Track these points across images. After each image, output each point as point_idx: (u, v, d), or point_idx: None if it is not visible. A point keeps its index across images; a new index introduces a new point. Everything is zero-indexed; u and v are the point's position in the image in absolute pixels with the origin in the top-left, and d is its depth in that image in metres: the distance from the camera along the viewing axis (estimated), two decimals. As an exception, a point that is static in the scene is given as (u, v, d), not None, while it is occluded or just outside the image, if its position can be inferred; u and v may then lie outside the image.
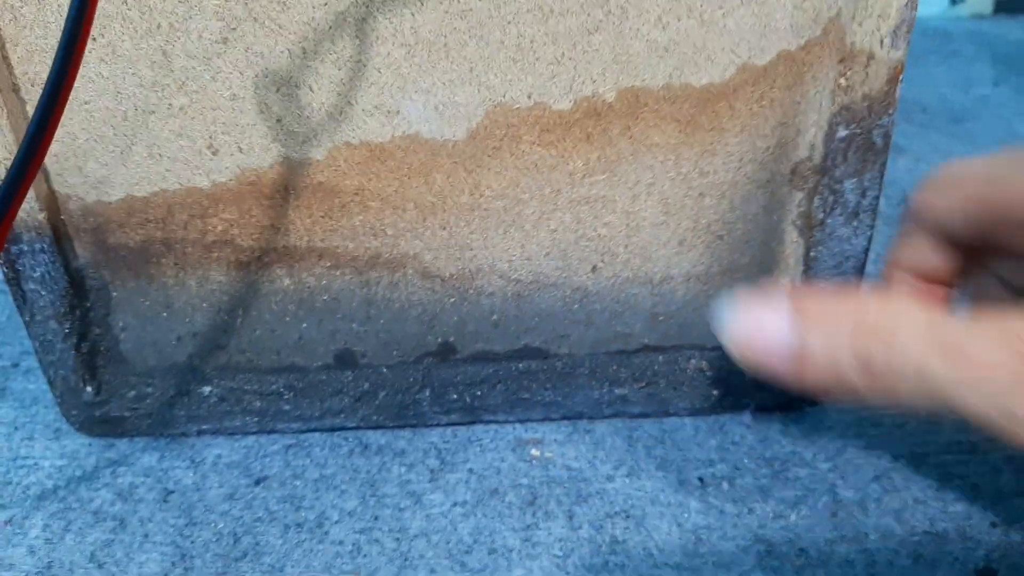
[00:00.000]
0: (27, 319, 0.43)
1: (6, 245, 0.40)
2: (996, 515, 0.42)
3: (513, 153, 0.40)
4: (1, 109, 0.37)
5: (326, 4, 0.36)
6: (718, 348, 0.47)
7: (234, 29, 0.36)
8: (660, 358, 0.47)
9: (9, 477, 0.46)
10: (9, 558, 0.41)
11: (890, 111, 0.39)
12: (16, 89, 0.38)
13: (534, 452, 0.47)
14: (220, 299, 0.43)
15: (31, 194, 0.39)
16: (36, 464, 0.46)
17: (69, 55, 0.27)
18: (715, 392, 0.47)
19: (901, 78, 0.39)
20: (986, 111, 0.91)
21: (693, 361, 0.47)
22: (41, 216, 0.40)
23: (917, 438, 0.47)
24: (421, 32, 0.37)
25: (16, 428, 0.49)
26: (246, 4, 0.36)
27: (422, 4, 0.36)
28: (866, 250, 0.43)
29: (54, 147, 0.38)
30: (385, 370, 0.46)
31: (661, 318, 0.46)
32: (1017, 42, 1.13)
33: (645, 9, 0.37)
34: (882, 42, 0.38)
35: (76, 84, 0.29)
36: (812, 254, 0.43)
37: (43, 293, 0.42)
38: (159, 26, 0.36)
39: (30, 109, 0.38)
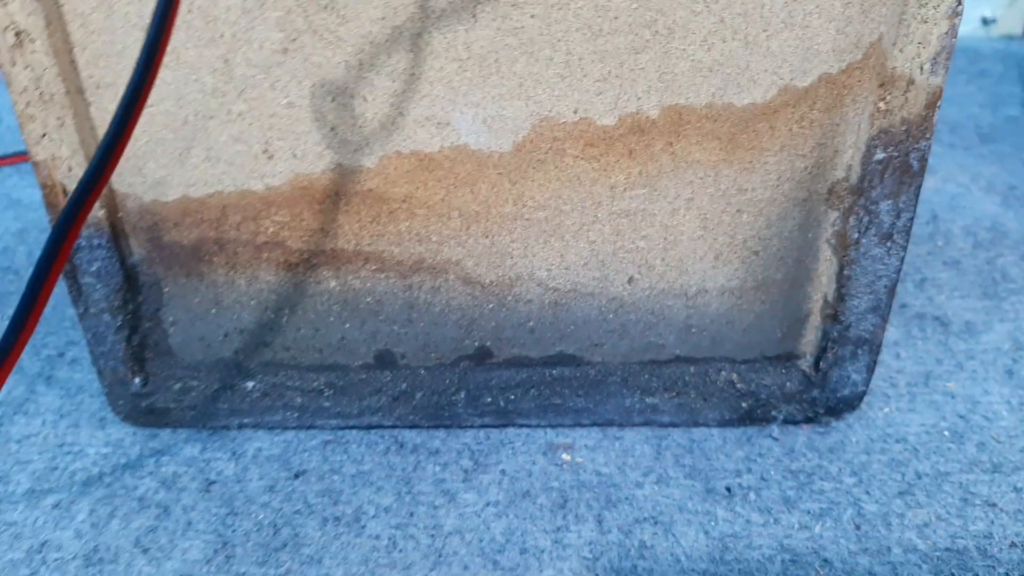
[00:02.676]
0: (81, 311, 0.44)
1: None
2: (1015, 534, 0.43)
3: (557, 166, 0.42)
4: (67, 110, 0.39)
5: (383, 19, 0.38)
6: (749, 361, 0.48)
7: (294, 40, 0.38)
8: (691, 369, 0.48)
9: (56, 463, 0.47)
10: (56, 540, 0.43)
11: (927, 135, 0.40)
12: (81, 91, 0.39)
13: (565, 456, 0.48)
14: (267, 298, 0.45)
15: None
16: (82, 451, 0.48)
17: (149, 62, 0.29)
18: (744, 404, 0.48)
19: (939, 103, 0.40)
20: (1015, 132, 0.92)
21: (724, 373, 0.48)
22: (100, 213, 0.41)
23: (941, 456, 0.47)
24: (473, 48, 0.38)
25: (62, 416, 0.50)
26: (307, 17, 0.37)
27: (476, 21, 0.38)
28: (898, 271, 0.44)
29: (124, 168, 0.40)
30: (423, 372, 0.48)
31: (694, 330, 0.47)
32: None
33: (691, 30, 0.38)
34: (922, 68, 0.39)
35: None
36: (845, 272, 0.44)
37: (98, 287, 0.43)
38: (222, 35, 0.38)
39: (93, 111, 0.40)
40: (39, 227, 0.69)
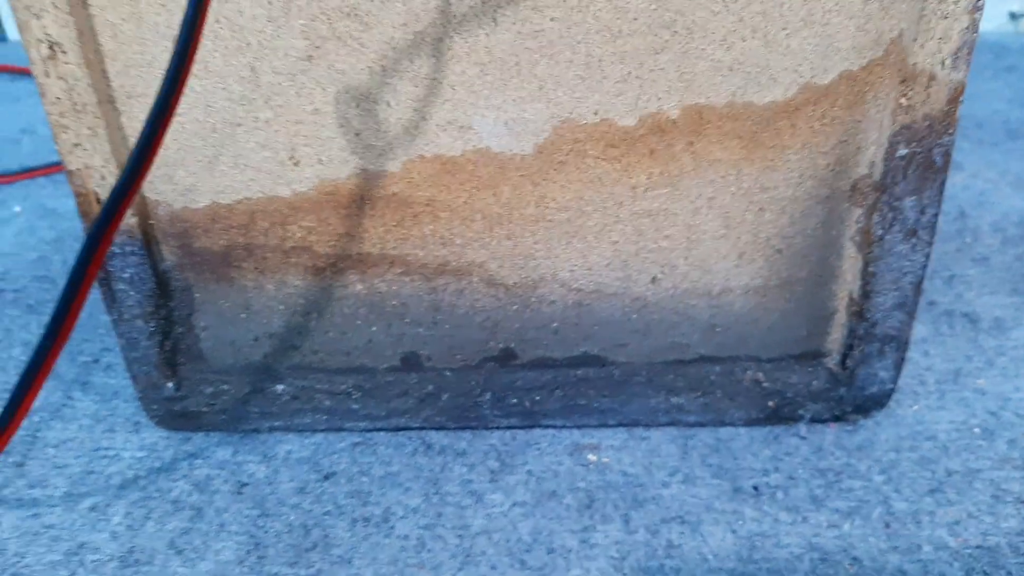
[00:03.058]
0: (115, 317, 0.45)
1: (99, 247, 0.43)
2: (1051, 531, 0.43)
3: (578, 167, 0.42)
4: (99, 119, 0.40)
5: (405, 24, 0.38)
6: (774, 360, 0.48)
7: (318, 47, 0.39)
8: (716, 368, 0.48)
9: (92, 467, 0.48)
10: (93, 542, 0.44)
11: (950, 131, 0.40)
12: (112, 101, 0.40)
13: (591, 457, 0.48)
14: (296, 302, 0.45)
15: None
16: (117, 455, 0.49)
17: (178, 72, 0.29)
18: (770, 403, 0.48)
19: (961, 99, 0.40)
20: (1045, 127, 0.91)
21: (749, 372, 0.48)
22: (132, 221, 0.42)
23: (971, 453, 0.47)
24: (494, 51, 0.39)
25: (98, 421, 0.51)
26: (330, 24, 0.38)
27: (496, 25, 0.38)
28: (924, 267, 0.44)
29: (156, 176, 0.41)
30: (448, 373, 0.48)
31: (719, 329, 0.47)
32: None
33: (710, 30, 0.39)
34: (943, 63, 0.39)
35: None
36: (870, 269, 0.44)
37: (131, 293, 0.44)
38: (248, 44, 0.39)
39: (124, 120, 0.41)
40: (73, 236, 0.70)
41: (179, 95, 0.30)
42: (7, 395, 0.53)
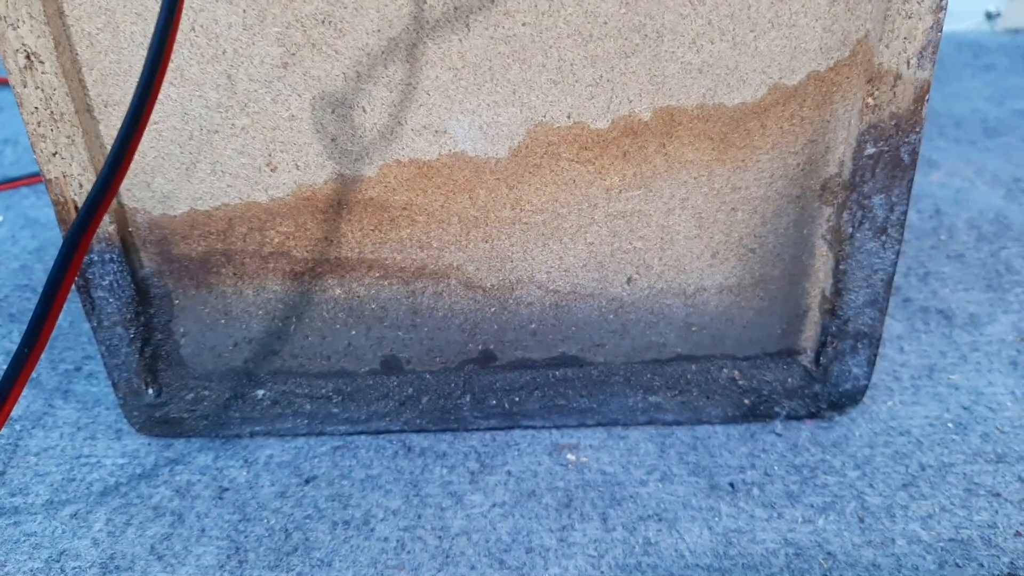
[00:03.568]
0: (94, 325, 0.46)
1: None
2: (1020, 523, 0.43)
3: (553, 170, 0.42)
4: (76, 128, 0.40)
5: (379, 31, 0.39)
6: (750, 358, 0.48)
7: (294, 55, 0.39)
8: (693, 367, 0.49)
9: (73, 474, 0.48)
10: (75, 549, 0.44)
11: (917, 129, 0.41)
12: (90, 109, 0.41)
13: (570, 457, 0.49)
14: (275, 307, 0.46)
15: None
16: (99, 462, 0.49)
17: (151, 80, 0.30)
18: (746, 401, 0.49)
19: (927, 97, 0.40)
20: (1021, 125, 0.92)
21: (725, 370, 0.49)
22: (111, 228, 0.43)
23: (945, 447, 0.48)
24: (468, 56, 0.39)
25: (79, 428, 0.52)
26: (305, 31, 0.38)
27: (469, 30, 0.39)
28: (894, 263, 0.44)
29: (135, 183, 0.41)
30: (428, 376, 0.49)
31: (694, 328, 0.47)
32: None
33: (680, 33, 0.39)
34: (908, 63, 0.39)
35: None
36: (842, 267, 0.45)
37: (111, 300, 0.44)
38: (224, 52, 0.39)
39: (102, 128, 0.41)
40: (55, 245, 0.70)
41: (152, 102, 0.30)
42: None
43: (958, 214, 0.71)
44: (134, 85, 0.39)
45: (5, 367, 0.56)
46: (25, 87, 0.39)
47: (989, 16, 1.24)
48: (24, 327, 0.60)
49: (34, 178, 0.82)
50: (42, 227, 0.74)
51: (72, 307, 0.62)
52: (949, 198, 0.74)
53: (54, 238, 0.72)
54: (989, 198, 0.74)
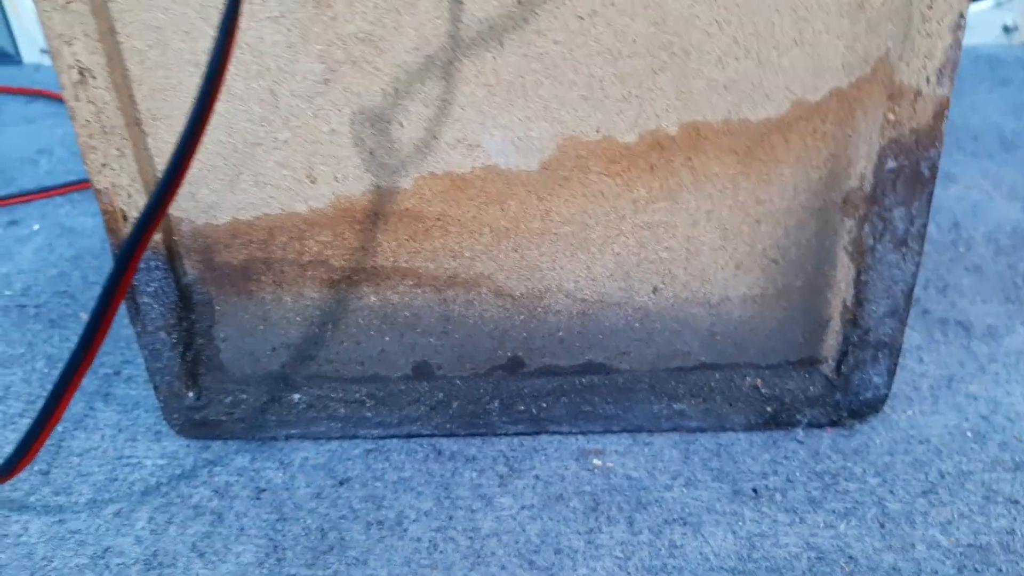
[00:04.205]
0: (138, 330, 0.47)
1: (124, 263, 0.45)
2: (1040, 529, 0.44)
3: (582, 182, 0.44)
4: (126, 141, 0.42)
5: (417, 49, 0.40)
6: (772, 366, 0.49)
7: (335, 71, 0.41)
8: (717, 375, 0.50)
9: (115, 474, 0.50)
10: (118, 547, 0.46)
11: (937, 144, 0.42)
12: (139, 123, 0.42)
13: (596, 462, 0.50)
14: (312, 314, 0.47)
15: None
16: (140, 463, 0.51)
17: (208, 94, 0.31)
18: (769, 408, 0.50)
19: (947, 113, 0.42)
20: (1038, 139, 0.92)
21: (748, 379, 0.50)
22: (157, 237, 0.44)
23: (963, 456, 0.49)
24: (501, 74, 0.41)
25: (120, 430, 0.53)
26: (346, 49, 0.40)
27: (503, 48, 0.40)
28: (914, 275, 0.46)
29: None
30: (458, 382, 0.50)
31: (718, 337, 0.49)
32: None
33: (706, 51, 0.41)
34: (928, 80, 0.41)
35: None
36: (863, 278, 0.46)
37: (155, 306, 0.46)
38: (268, 68, 0.41)
39: (150, 141, 0.43)
40: (92, 253, 0.72)
41: (206, 123, 0.32)
42: (31, 407, 0.55)
43: (976, 227, 0.72)
44: (182, 100, 0.41)
45: (48, 371, 0.57)
46: (78, 101, 0.41)
47: (1007, 30, 1.25)
48: (64, 332, 0.62)
49: (69, 187, 0.84)
50: (78, 235, 0.76)
51: (110, 313, 0.64)
52: (967, 211, 0.74)
53: (90, 246, 0.74)
54: (1006, 211, 0.74)
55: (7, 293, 0.67)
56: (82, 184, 0.85)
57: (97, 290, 0.66)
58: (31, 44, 1.36)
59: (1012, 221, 0.72)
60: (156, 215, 0.33)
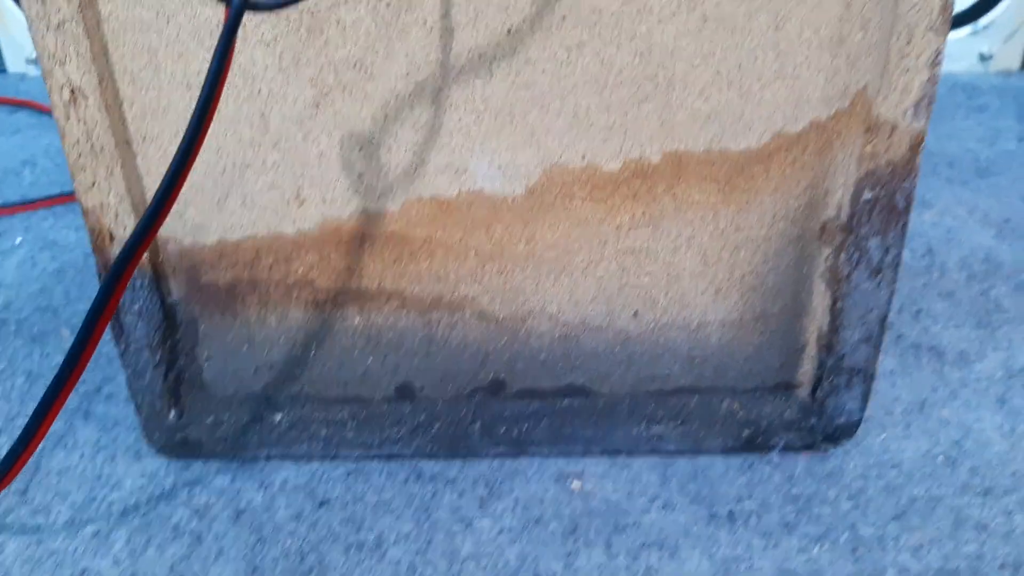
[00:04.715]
0: (122, 348, 0.47)
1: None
2: (1006, 555, 0.45)
3: (566, 208, 0.45)
4: (115, 160, 0.42)
5: (407, 75, 0.41)
6: (749, 390, 0.50)
7: (326, 95, 0.41)
8: (695, 399, 0.51)
9: (94, 494, 0.50)
10: (96, 568, 0.45)
11: (912, 176, 0.43)
12: (128, 143, 0.43)
13: (575, 484, 0.50)
14: (296, 335, 0.48)
15: (131, 221, 0.44)
16: (119, 483, 0.51)
17: (202, 117, 0.32)
18: (745, 432, 0.51)
19: (923, 146, 0.43)
20: (1012, 165, 0.94)
21: (726, 402, 0.51)
22: (143, 256, 0.45)
23: (935, 481, 0.50)
24: (490, 101, 0.41)
25: (99, 449, 0.53)
26: (337, 74, 0.41)
27: (491, 76, 0.41)
28: (889, 303, 0.47)
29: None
30: (441, 403, 0.50)
31: (697, 361, 0.49)
32: None
33: (690, 82, 0.41)
34: (905, 114, 0.42)
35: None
36: (839, 305, 0.47)
37: (139, 325, 0.46)
38: (259, 92, 0.41)
39: (140, 161, 0.43)
40: (75, 267, 0.72)
41: (198, 148, 0.32)
42: (10, 423, 0.55)
43: (950, 253, 0.73)
44: (172, 120, 0.42)
45: (28, 387, 0.57)
46: (68, 120, 0.41)
47: (983, 58, 1.28)
48: (45, 347, 0.62)
49: (53, 200, 0.84)
50: (61, 249, 0.75)
51: (90, 329, 0.64)
52: (941, 237, 0.76)
53: (73, 260, 0.73)
54: (980, 237, 0.76)
55: (-15, 307, 0.67)
56: (66, 197, 0.85)
57: (80, 306, 0.66)
58: (16, 53, 1.35)
59: (985, 248, 0.74)
60: (145, 239, 0.33)
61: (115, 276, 0.34)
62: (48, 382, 0.57)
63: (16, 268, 0.72)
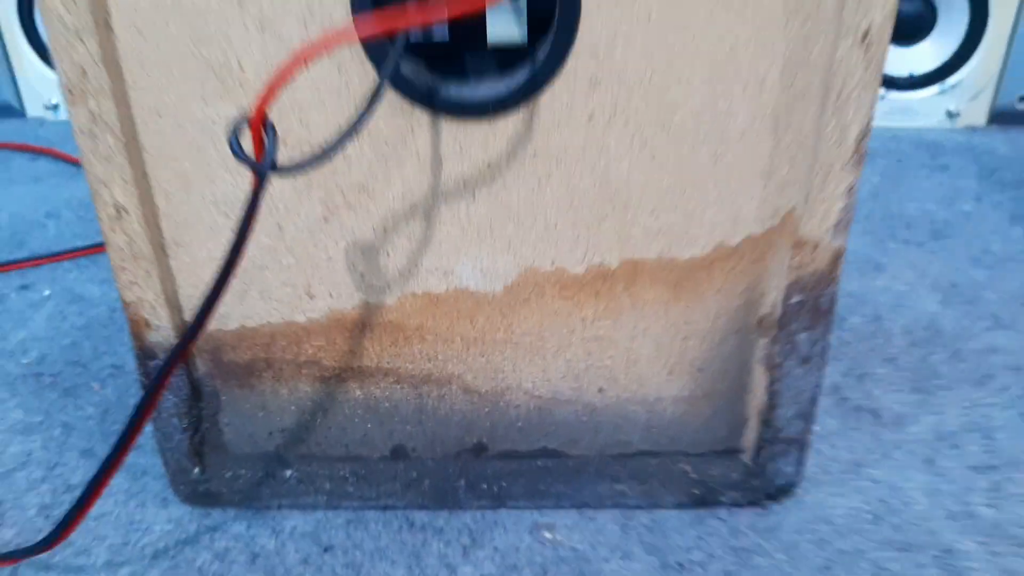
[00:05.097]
0: (154, 416, 0.55)
1: (145, 359, 0.53)
2: (917, 605, 0.52)
3: (539, 303, 0.52)
4: (152, 264, 0.50)
5: (403, 197, 0.48)
6: (700, 455, 0.58)
7: (333, 212, 0.49)
8: (653, 461, 0.58)
9: (128, 538, 0.57)
10: (130, 604, 0.53)
11: (833, 283, 0.51)
12: (164, 249, 0.50)
13: (547, 535, 0.58)
14: (305, 404, 0.55)
15: (168, 324, 0.52)
16: (149, 527, 0.58)
17: (232, 261, 0.39)
18: (696, 491, 0.58)
19: (842, 259, 0.50)
20: (966, 227, 1.02)
21: (680, 465, 0.58)
22: (171, 332, 0.52)
23: (860, 535, 0.57)
24: (473, 218, 0.49)
25: (131, 496, 0.60)
26: (344, 195, 0.48)
27: (474, 198, 0.48)
28: (818, 386, 0.54)
29: (189, 291, 0.51)
30: (430, 462, 0.58)
31: (654, 430, 0.57)
32: (1004, 156, 1.24)
33: (643, 204, 0.49)
34: (826, 234, 0.49)
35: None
36: (775, 387, 0.54)
37: (170, 397, 0.54)
38: (277, 207, 0.49)
39: (172, 263, 0.51)
40: (101, 322, 0.80)
41: (236, 267, 0.40)
42: (50, 472, 0.62)
43: (896, 320, 0.81)
44: (201, 230, 0.49)
45: (65, 439, 0.64)
46: (113, 232, 0.49)
47: (950, 115, 1.35)
48: (78, 401, 0.69)
49: (77, 252, 0.91)
50: (87, 304, 0.83)
51: (119, 382, 0.71)
52: (890, 303, 0.83)
53: (98, 316, 0.81)
54: (926, 304, 0.83)
55: (24, 361, 0.74)
56: (89, 250, 0.92)
57: (108, 359, 0.74)
58: (35, 99, 1.40)
59: (929, 314, 0.81)
60: (184, 349, 0.41)
61: (159, 377, 0.41)
62: (82, 433, 0.65)
63: (47, 322, 0.80)
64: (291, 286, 0.51)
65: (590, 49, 0.45)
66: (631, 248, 0.50)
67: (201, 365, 0.54)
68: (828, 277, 0.51)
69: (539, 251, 0.50)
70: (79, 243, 0.93)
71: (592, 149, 0.47)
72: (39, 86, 1.39)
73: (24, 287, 0.86)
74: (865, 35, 0.44)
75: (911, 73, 1.35)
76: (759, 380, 0.55)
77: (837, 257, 0.50)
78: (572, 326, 0.53)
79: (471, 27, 0.45)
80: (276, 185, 0.48)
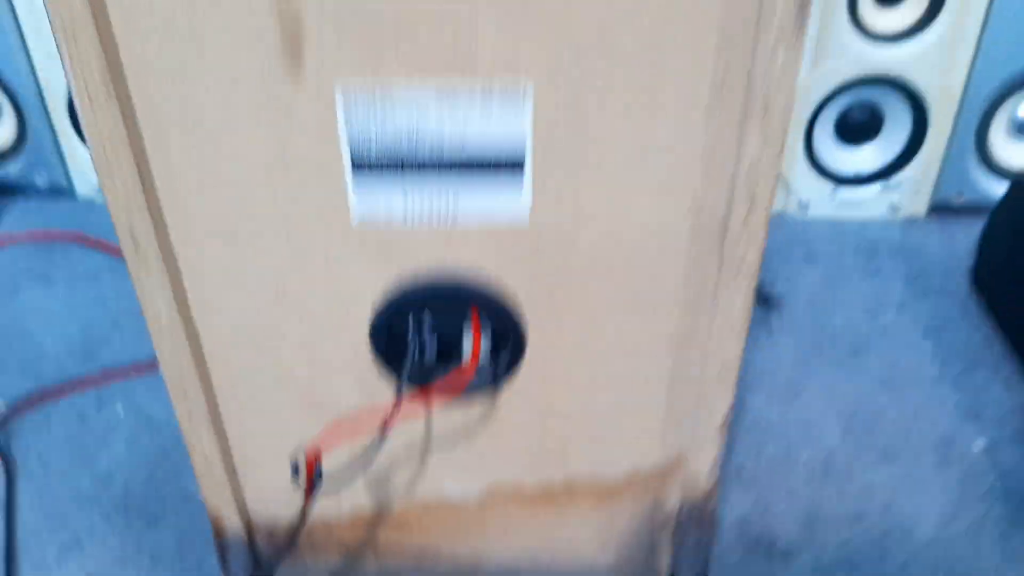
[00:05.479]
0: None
1: (223, 540, 0.73)
2: None
3: (504, 508, 0.72)
4: (227, 483, 0.70)
5: (406, 447, 0.68)
6: (622, 603, 0.79)
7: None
8: (589, 603, 0.79)
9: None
10: None
11: (712, 502, 0.71)
12: (235, 470, 0.70)
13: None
14: (336, 569, 0.76)
15: (236, 515, 0.72)
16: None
17: (302, 521, 0.59)
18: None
19: (717, 480, 0.70)
20: (882, 342, 1.15)
21: (609, 605, 0.79)
22: (240, 527, 0.73)
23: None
24: (457, 456, 0.69)
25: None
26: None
27: (455, 448, 0.68)
28: (707, 561, 0.74)
29: (257, 506, 0.71)
30: (425, 603, 0.79)
31: (589, 584, 0.78)
32: (934, 256, 1.37)
33: (576, 441, 0.69)
34: (704, 471, 0.69)
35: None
36: (677, 560, 0.74)
37: (236, 567, 0.75)
38: (316, 451, 0.69)
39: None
40: (176, 448, 0.96)
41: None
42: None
43: (799, 454, 0.99)
44: (268, 447, 0.69)
45: (151, 568, 0.83)
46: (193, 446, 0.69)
47: (893, 208, 1.52)
48: (161, 532, 0.89)
49: (143, 367, 1.08)
50: (157, 429, 0.99)
51: (191, 507, 0.91)
52: (799, 436, 1.01)
53: (173, 441, 0.96)
54: (828, 437, 1.00)
55: (111, 491, 0.93)
56: (153, 363, 1.09)
57: (182, 483, 0.92)
58: (84, 179, 1.52)
59: (827, 449, 0.99)
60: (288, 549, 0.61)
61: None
62: (167, 563, 0.84)
63: (125, 447, 0.98)
64: (324, 499, 0.72)
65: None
66: (570, 469, 0.70)
67: (259, 541, 0.75)
68: (709, 498, 0.71)
69: (502, 469, 0.70)
70: (142, 358, 1.09)
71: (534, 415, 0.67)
72: (88, 168, 1.49)
73: (101, 404, 1.04)
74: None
75: (858, 172, 1.52)
76: (664, 555, 0.75)
77: (712, 478, 0.70)
78: (529, 523, 0.73)
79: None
80: (315, 439, 0.68)
